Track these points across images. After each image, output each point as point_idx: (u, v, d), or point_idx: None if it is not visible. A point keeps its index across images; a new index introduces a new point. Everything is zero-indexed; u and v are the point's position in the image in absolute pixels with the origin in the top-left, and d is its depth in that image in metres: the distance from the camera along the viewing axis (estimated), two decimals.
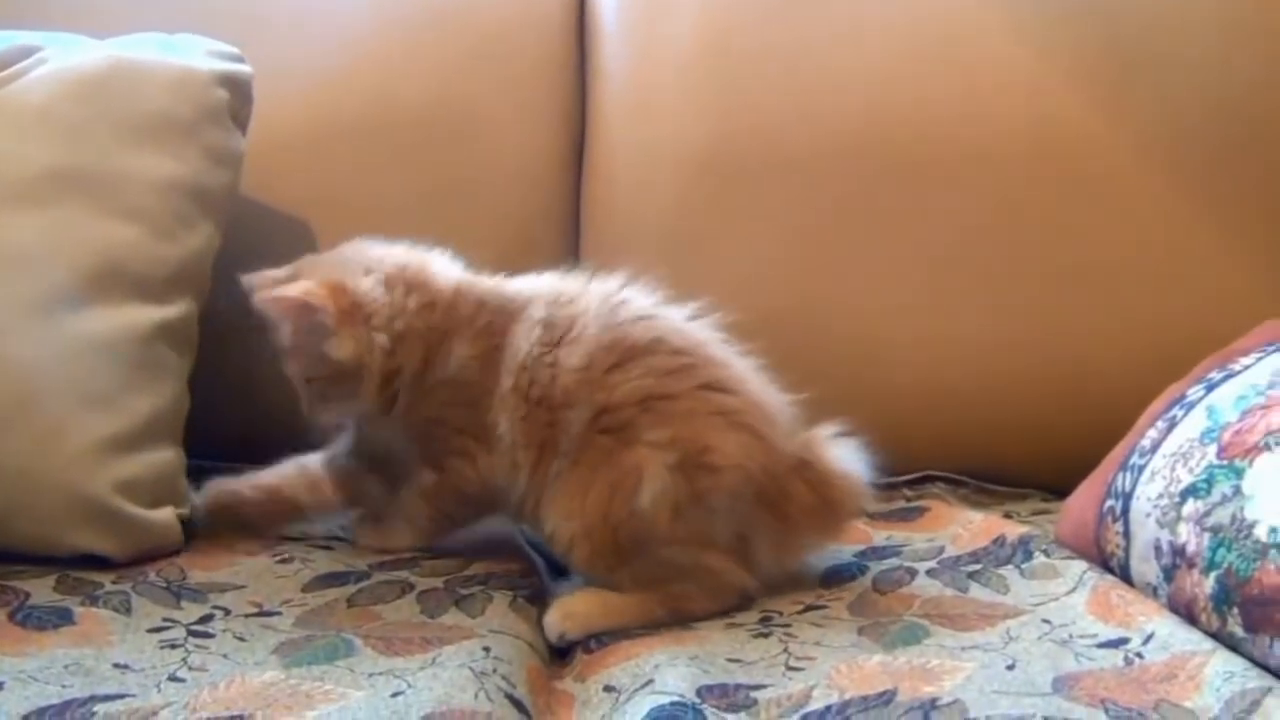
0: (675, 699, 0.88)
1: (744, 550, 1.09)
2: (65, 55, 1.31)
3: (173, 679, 0.92)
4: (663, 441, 1.06)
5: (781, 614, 1.07)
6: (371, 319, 1.14)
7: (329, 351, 1.13)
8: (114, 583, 1.10)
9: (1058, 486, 1.31)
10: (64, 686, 0.90)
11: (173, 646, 0.98)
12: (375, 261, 1.18)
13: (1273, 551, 0.92)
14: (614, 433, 1.08)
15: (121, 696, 0.89)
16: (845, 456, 1.13)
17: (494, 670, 0.92)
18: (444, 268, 1.20)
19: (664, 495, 1.05)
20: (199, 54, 1.35)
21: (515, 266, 1.48)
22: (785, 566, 1.13)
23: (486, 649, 0.96)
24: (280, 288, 1.13)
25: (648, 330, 1.12)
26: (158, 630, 1.01)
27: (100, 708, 0.87)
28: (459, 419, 1.15)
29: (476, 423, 1.14)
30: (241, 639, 1.00)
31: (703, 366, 1.11)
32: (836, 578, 1.15)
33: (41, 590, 1.08)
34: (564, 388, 1.10)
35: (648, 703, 0.88)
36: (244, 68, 1.37)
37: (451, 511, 1.20)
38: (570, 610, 1.07)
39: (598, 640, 1.04)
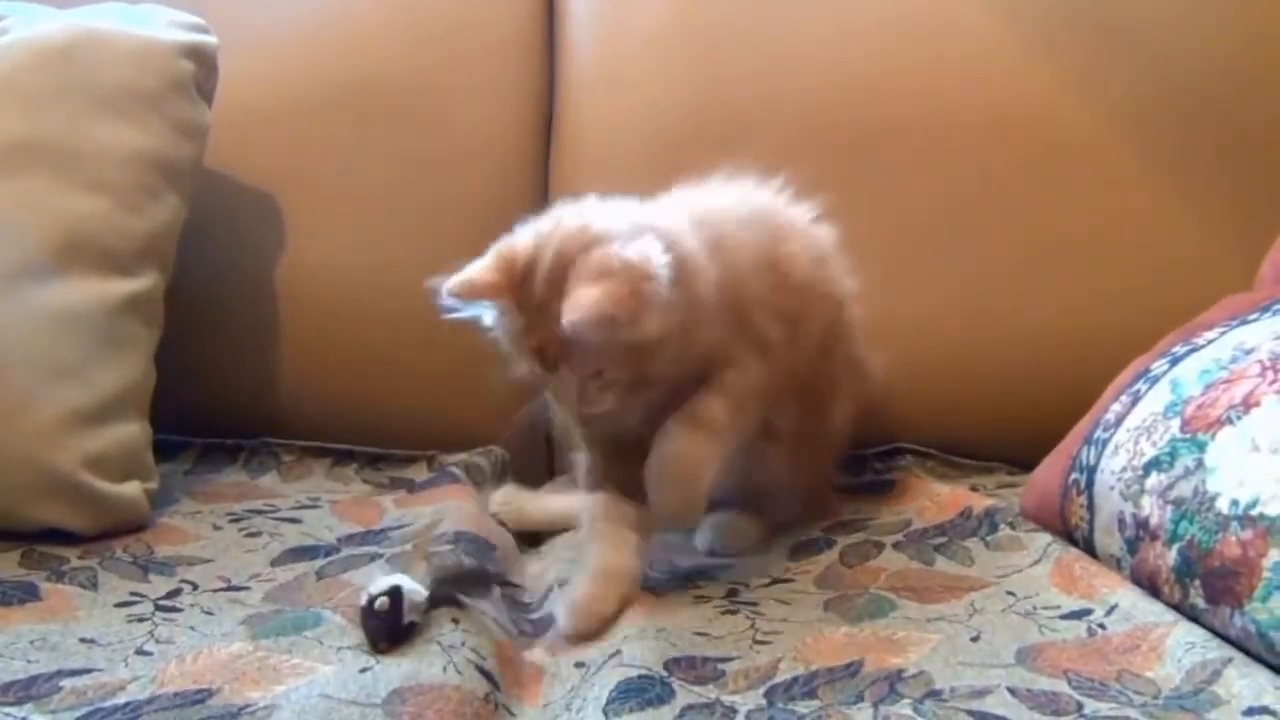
0: (643, 672, 0.89)
1: None
2: (27, 25, 1.30)
3: (140, 653, 0.92)
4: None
5: (748, 587, 1.08)
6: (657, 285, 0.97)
7: (634, 337, 0.96)
8: (80, 558, 1.10)
9: (1023, 460, 1.31)
10: (30, 661, 0.90)
11: (140, 620, 0.98)
12: (627, 222, 1.01)
13: (1234, 524, 0.93)
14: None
15: (88, 671, 0.89)
16: None
17: (462, 643, 0.92)
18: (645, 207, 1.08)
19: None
20: (163, 25, 1.34)
21: (483, 241, 1.48)
22: None
23: (455, 621, 0.96)
24: (574, 300, 0.94)
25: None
26: (125, 605, 1.01)
27: (67, 682, 0.87)
28: (727, 339, 1.06)
29: (741, 337, 1.07)
30: (209, 613, 1.00)
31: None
32: (804, 552, 1.16)
33: (7, 565, 1.08)
34: (799, 287, 1.12)
35: (615, 676, 0.88)
36: (209, 39, 1.36)
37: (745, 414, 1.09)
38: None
39: None
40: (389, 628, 0.92)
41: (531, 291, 0.98)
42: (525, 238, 1.01)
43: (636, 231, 0.99)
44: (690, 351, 1.02)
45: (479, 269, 0.99)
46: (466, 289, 0.98)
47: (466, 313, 1.02)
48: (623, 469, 1.07)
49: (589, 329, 0.93)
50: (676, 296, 0.97)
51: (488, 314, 1.02)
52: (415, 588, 0.95)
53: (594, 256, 0.96)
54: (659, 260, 0.96)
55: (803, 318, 1.12)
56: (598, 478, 1.09)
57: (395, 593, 0.93)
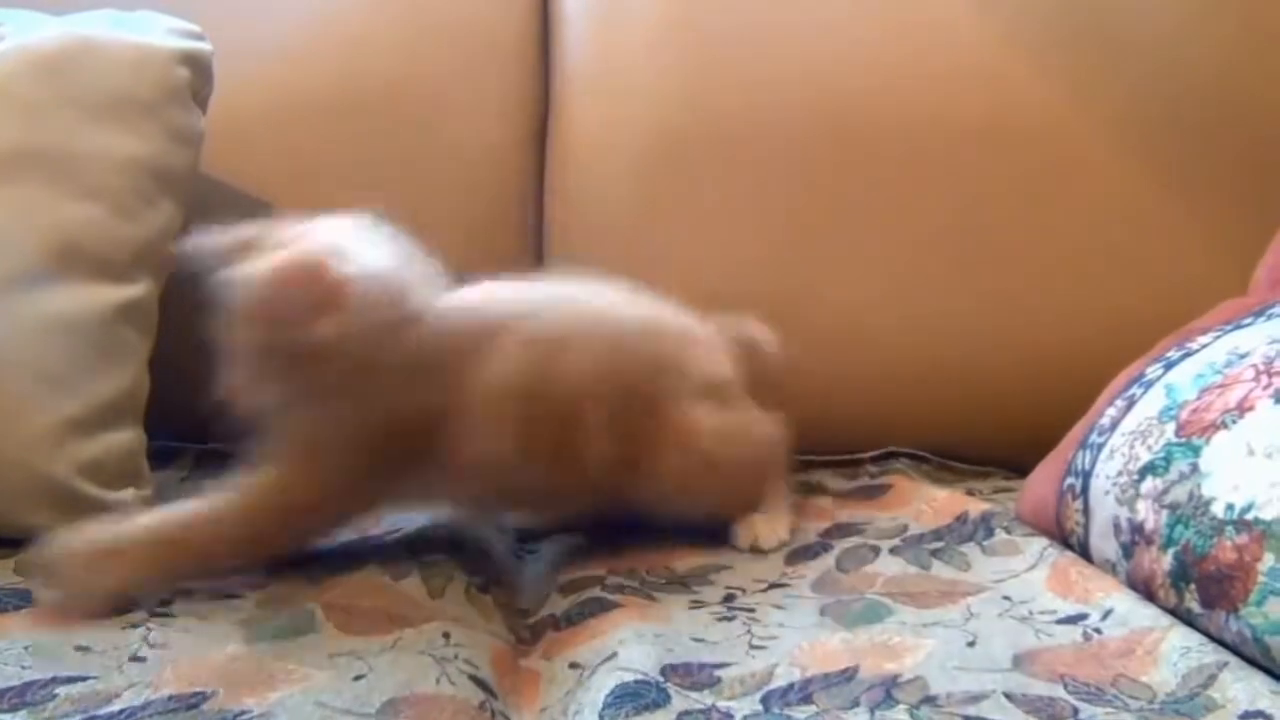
0: (639, 677, 0.89)
1: None
2: (23, 33, 1.29)
3: (135, 659, 0.92)
4: None
5: (744, 592, 1.08)
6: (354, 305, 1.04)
7: (313, 328, 1.03)
8: None
9: (1019, 464, 1.32)
10: (24, 668, 0.90)
11: (134, 626, 0.97)
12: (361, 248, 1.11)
13: (1229, 528, 0.93)
14: None
15: (83, 678, 0.88)
16: None
17: (455, 656, 0.92)
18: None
19: None
20: (159, 31, 1.34)
21: (479, 247, 1.49)
22: None
23: (447, 635, 0.96)
24: (283, 253, 1.04)
25: None
26: (119, 611, 1.01)
27: (62, 689, 0.87)
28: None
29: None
30: (203, 618, 0.99)
31: None
32: (800, 557, 1.16)
33: (1, 572, 1.07)
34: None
35: (612, 679, 0.88)
36: (204, 46, 1.36)
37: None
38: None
39: (566, 619, 1.04)
40: None
41: None
42: None
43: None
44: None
45: None
46: None
47: None
48: None
49: (278, 272, 1.03)
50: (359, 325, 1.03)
51: None
52: None
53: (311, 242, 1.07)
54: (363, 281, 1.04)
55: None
56: None
57: None
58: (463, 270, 1.40)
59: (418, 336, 1.08)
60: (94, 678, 0.89)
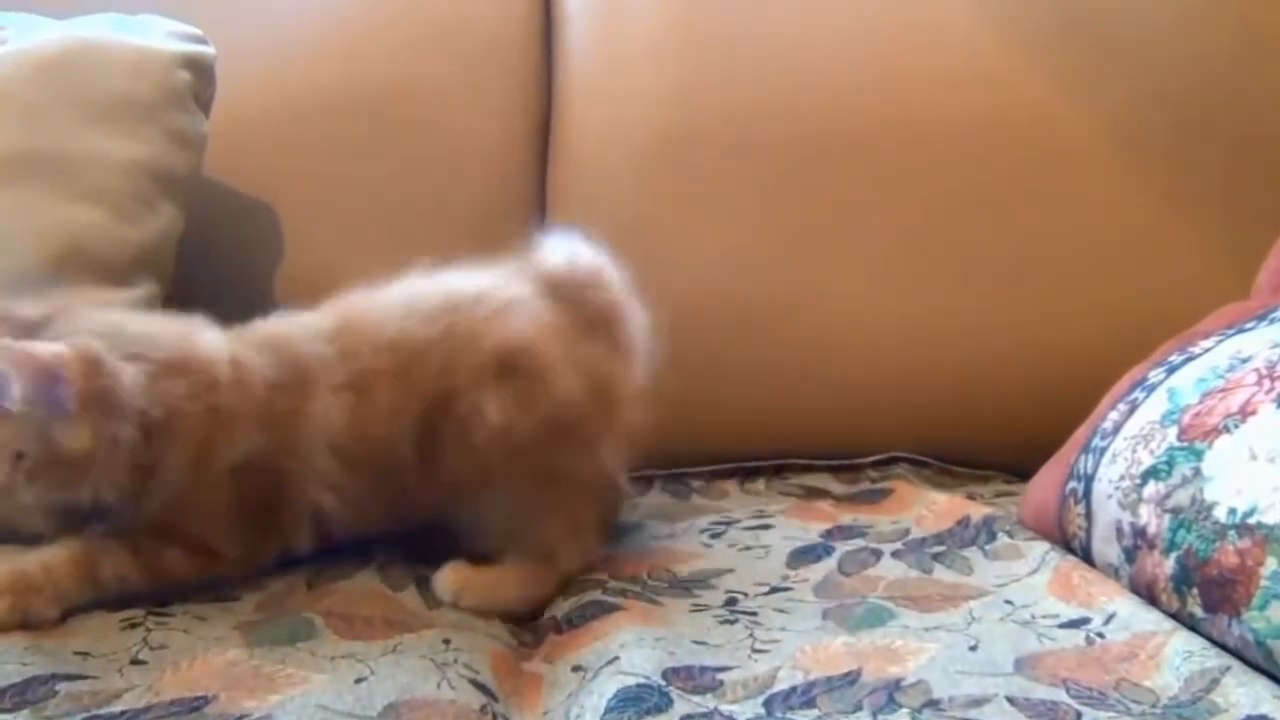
0: (641, 680, 0.88)
1: None
2: (24, 36, 1.30)
3: (135, 662, 0.91)
4: None
5: (747, 595, 1.07)
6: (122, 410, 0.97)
7: (59, 436, 0.96)
8: None
9: (1021, 468, 1.31)
10: (24, 664, 0.90)
11: (133, 626, 0.97)
12: (140, 343, 1.00)
13: (1231, 532, 0.93)
14: None
15: (84, 677, 0.88)
16: None
17: (455, 660, 0.92)
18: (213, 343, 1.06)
19: None
20: (161, 35, 1.34)
21: (481, 245, 1.48)
22: None
23: (447, 641, 0.96)
24: (26, 342, 0.95)
25: None
26: (116, 609, 1.00)
27: (62, 686, 0.87)
28: None
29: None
30: (202, 619, 0.99)
31: None
32: (802, 560, 1.16)
33: None
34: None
35: (614, 683, 0.88)
36: (207, 49, 1.36)
37: None
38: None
39: (568, 622, 1.04)
40: None
41: None
42: None
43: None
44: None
45: None
46: None
47: None
48: None
49: (8, 358, 0.93)
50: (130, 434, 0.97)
51: None
52: None
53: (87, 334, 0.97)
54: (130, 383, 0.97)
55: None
56: None
57: None
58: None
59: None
60: (95, 677, 0.89)
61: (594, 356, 1.09)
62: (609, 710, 0.85)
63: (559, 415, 1.05)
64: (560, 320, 1.09)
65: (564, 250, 1.13)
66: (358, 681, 0.88)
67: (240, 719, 0.83)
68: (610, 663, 0.92)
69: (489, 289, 1.10)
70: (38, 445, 0.96)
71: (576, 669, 0.94)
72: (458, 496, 1.08)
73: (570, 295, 1.10)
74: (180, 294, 1.31)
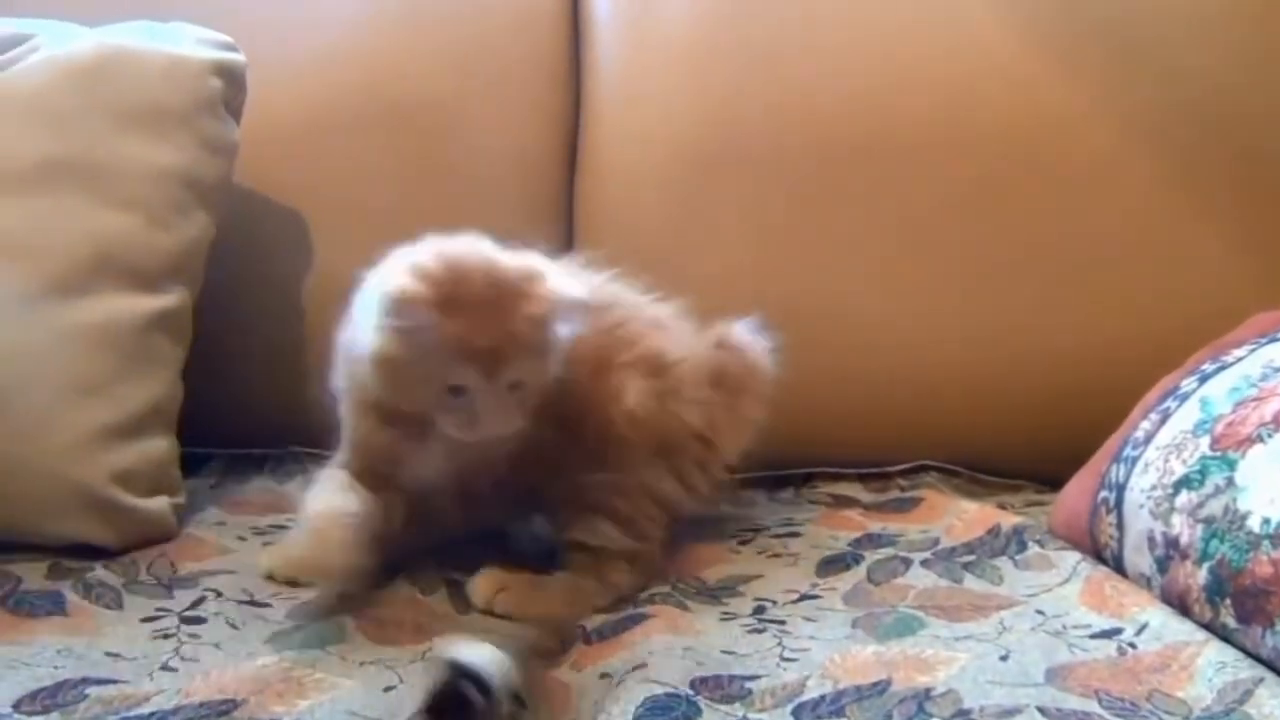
0: (670, 690, 0.88)
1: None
2: (58, 43, 1.30)
3: (165, 668, 0.92)
4: None
5: (775, 604, 1.07)
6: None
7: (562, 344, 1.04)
8: (105, 568, 1.10)
9: (1051, 478, 1.31)
10: (56, 668, 0.90)
11: (165, 636, 0.98)
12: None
13: (1265, 543, 0.92)
14: None
15: (114, 681, 0.89)
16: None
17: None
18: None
19: None
20: (192, 42, 1.34)
21: None
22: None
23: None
24: (557, 288, 1.02)
25: None
26: (150, 620, 1.01)
27: (93, 690, 0.87)
28: None
29: None
30: (234, 626, 1.00)
31: None
32: (831, 568, 1.15)
33: (34, 577, 1.07)
34: None
35: (641, 691, 0.88)
36: (238, 56, 1.36)
37: None
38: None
39: (597, 632, 1.03)
40: None
41: (463, 300, 0.99)
42: (421, 258, 1.02)
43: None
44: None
45: (406, 284, 0.99)
46: (407, 303, 0.98)
47: (381, 345, 1.00)
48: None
49: (575, 306, 1.02)
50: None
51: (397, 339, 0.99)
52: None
53: (523, 260, 1.04)
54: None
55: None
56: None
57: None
58: None
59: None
60: (125, 681, 0.89)
61: (716, 404, 1.17)
62: (637, 718, 0.84)
63: (674, 430, 1.13)
64: (708, 363, 1.18)
65: (748, 331, 1.21)
66: (386, 690, 0.88)
67: None
68: (637, 668, 0.92)
69: (667, 314, 1.19)
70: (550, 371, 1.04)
71: (604, 676, 0.94)
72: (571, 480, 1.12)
73: (727, 354, 1.20)
74: (210, 301, 1.32)
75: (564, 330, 1.03)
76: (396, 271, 1.01)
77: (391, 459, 1.08)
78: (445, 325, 0.97)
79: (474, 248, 1.04)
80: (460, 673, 0.84)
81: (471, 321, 0.98)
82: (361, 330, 1.01)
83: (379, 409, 1.06)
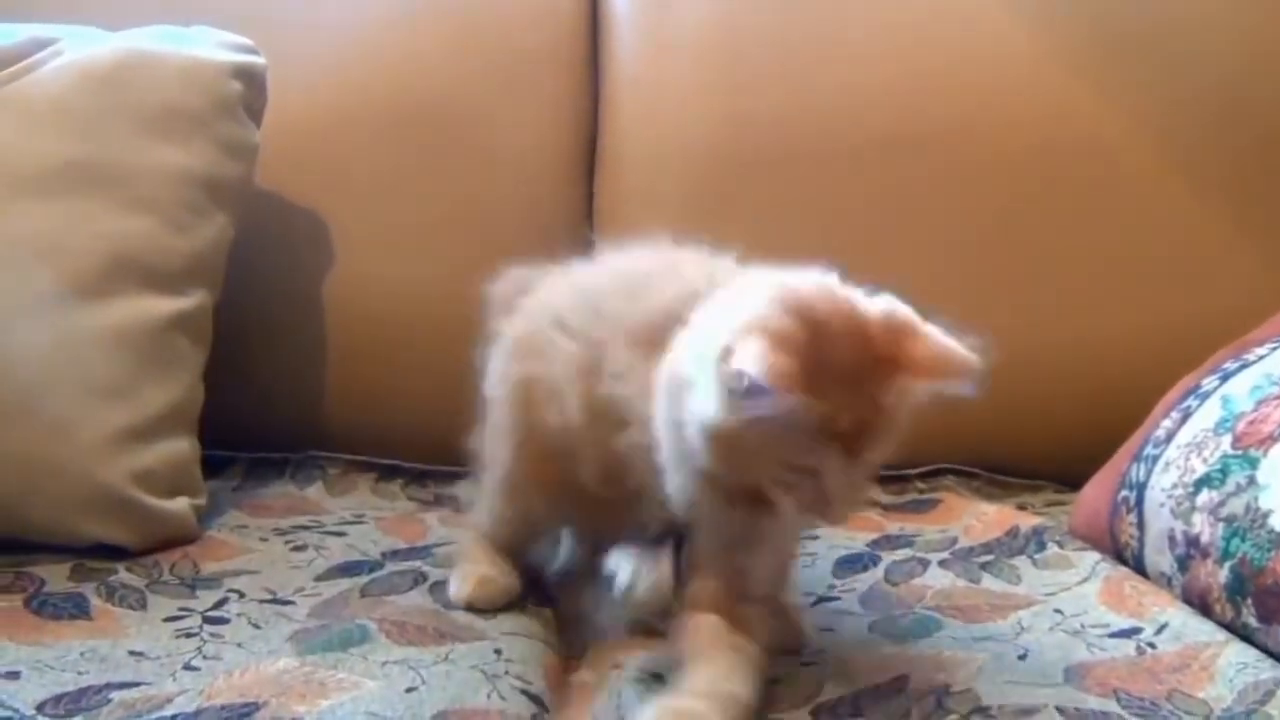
0: None
1: None
2: (80, 47, 1.31)
3: (188, 668, 0.93)
4: None
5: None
6: None
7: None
8: (128, 570, 1.11)
9: (1071, 478, 1.31)
10: (80, 673, 0.91)
11: (188, 636, 0.98)
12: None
13: None
14: None
15: (137, 684, 0.90)
16: None
17: (506, 671, 0.92)
18: None
19: None
20: (213, 46, 1.35)
21: (530, 259, 1.49)
22: None
23: (498, 651, 0.96)
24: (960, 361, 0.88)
25: None
26: (173, 619, 1.02)
27: (116, 694, 0.88)
28: None
29: None
30: (256, 626, 1.00)
31: None
32: (848, 569, 1.15)
33: (57, 579, 1.08)
34: None
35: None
36: (258, 60, 1.37)
37: None
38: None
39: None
40: None
41: (826, 370, 0.80)
42: (770, 314, 0.82)
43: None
44: None
45: (775, 357, 0.78)
46: (785, 380, 0.77)
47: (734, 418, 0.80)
48: None
49: (955, 381, 0.87)
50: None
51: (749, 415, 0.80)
52: None
53: (881, 314, 0.86)
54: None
55: None
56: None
57: None
58: None
59: None
60: (147, 684, 0.90)
61: None
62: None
63: None
64: None
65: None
66: (408, 690, 0.88)
67: None
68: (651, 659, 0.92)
69: None
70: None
71: (615, 665, 0.95)
72: None
73: None
74: (230, 302, 1.33)
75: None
76: (745, 332, 0.80)
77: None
78: (811, 406, 0.79)
79: (829, 295, 0.86)
80: None
81: (839, 399, 0.80)
82: (692, 392, 0.83)
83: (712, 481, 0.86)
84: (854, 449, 0.81)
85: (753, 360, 0.77)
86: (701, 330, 0.85)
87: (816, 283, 0.86)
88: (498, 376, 1.06)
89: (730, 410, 0.79)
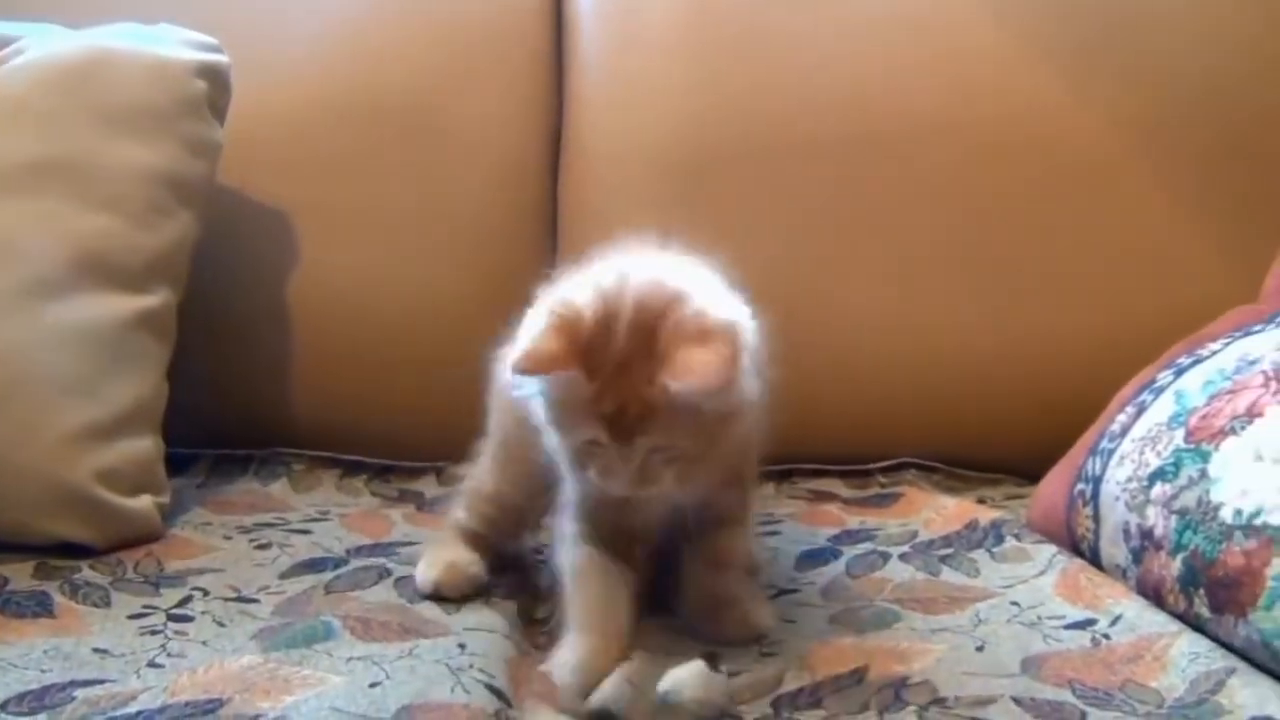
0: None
1: None
2: (43, 46, 1.31)
3: (152, 665, 0.93)
4: None
5: None
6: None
7: (724, 406, 0.91)
8: (92, 568, 1.11)
9: (1030, 471, 1.31)
10: (43, 671, 0.91)
11: (152, 633, 0.99)
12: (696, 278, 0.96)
13: (1238, 533, 0.93)
14: None
15: (101, 682, 0.90)
16: None
17: (470, 666, 0.93)
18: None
19: None
20: (177, 44, 1.35)
21: (493, 257, 1.50)
22: None
23: (462, 646, 0.96)
24: (682, 364, 0.87)
25: None
26: (137, 617, 1.02)
27: (80, 692, 0.88)
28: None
29: None
30: (221, 623, 1.01)
31: None
32: (809, 562, 1.16)
33: (20, 577, 1.08)
34: None
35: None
36: (222, 58, 1.37)
37: None
38: None
39: None
40: None
41: (603, 354, 0.89)
42: (584, 296, 0.91)
43: (711, 290, 0.95)
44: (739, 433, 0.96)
45: (541, 340, 0.89)
46: (533, 363, 0.89)
47: (530, 390, 0.94)
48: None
49: (700, 395, 0.87)
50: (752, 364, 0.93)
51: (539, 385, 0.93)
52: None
53: (688, 316, 0.90)
54: (748, 323, 0.94)
55: None
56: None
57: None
58: (481, 274, 1.41)
59: None
60: (112, 681, 0.90)
61: None
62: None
63: None
64: None
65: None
66: (372, 685, 0.89)
67: (254, 719, 0.83)
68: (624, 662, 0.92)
69: None
70: (708, 429, 0.91)
71: None
72: None
73: None
74: (194, 301, 1.33)
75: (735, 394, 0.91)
76: (543, 313, 0.91)
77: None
78: (576, 386, 0.89)
79: (653, 289, 0.91)
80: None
81: (605, 383, 0.89)
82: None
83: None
84: (623, 434, 0.89)
85: (525, 341, 0.90)
86: (532, 313, 0.95)
87: (656, 276, 0.93)
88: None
89: (515, 385, 0.95)
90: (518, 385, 0.95)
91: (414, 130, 1.52)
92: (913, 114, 1.49)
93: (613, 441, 0.90)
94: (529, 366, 0.89)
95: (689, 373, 0.86)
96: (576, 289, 0.93)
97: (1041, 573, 1.08)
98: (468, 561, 1.09)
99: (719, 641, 0.97)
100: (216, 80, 1.36)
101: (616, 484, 0.92)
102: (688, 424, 0.89)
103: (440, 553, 1.10)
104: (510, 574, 1.14)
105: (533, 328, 0.91)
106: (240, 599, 1.06)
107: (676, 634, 0.99)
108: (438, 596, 1.06)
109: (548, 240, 1.53)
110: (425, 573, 1.08)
